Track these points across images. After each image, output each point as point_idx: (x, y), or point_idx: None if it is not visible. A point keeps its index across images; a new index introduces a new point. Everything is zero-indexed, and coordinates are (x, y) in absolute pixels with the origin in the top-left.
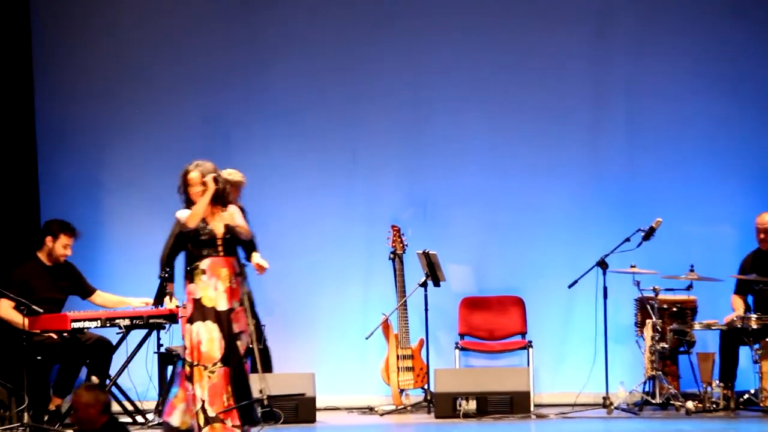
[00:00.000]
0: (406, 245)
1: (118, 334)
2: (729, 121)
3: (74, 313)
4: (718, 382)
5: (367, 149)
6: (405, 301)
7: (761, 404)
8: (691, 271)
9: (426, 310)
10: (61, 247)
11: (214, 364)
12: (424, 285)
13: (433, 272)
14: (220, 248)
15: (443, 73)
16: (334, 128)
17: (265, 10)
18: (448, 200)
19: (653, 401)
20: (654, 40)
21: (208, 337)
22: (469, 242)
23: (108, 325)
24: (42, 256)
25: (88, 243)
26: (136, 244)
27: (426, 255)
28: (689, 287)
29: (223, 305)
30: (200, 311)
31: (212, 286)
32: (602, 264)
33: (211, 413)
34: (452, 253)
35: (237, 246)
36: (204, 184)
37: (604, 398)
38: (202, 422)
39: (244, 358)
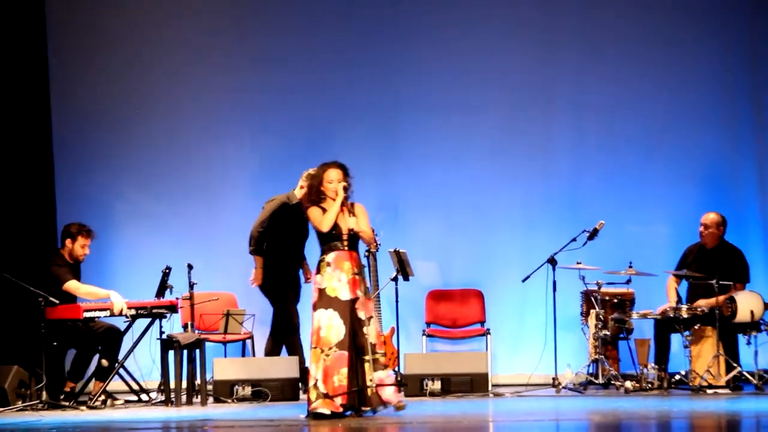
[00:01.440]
0: (380, 244)
1: (125, 322)
2: (666, 131)
3: (86, 303)
4: (653, 364)
5: (344, 160)
6: (378, 293)
7: (690, 384)
8: (630, 267)
9: (397, 301)
10: (80, 247)
11: (330, 348)
12: (395, 279)
13: (403, 268)
14: (345, 243)
15: (411, 91)
16: (316, 141)
17: (251, 28)
18: (416, 205)
19: (596, 381)
20: (599, 56)
21: (327, 324)
22: (435, 242)
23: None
24: (65, 254)
25: (99, 244)
26: (143, 245)
27: (397, 253)
28: (628, 281)
29: (345, 295)
30: (324, 300)
31: (336, 278)
32: (552, 261)
33: (323, 390)
34: (420, 252)
35: (359, 241)
36: (343, 189)
37: (553, 379)
38: (313, 397)
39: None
